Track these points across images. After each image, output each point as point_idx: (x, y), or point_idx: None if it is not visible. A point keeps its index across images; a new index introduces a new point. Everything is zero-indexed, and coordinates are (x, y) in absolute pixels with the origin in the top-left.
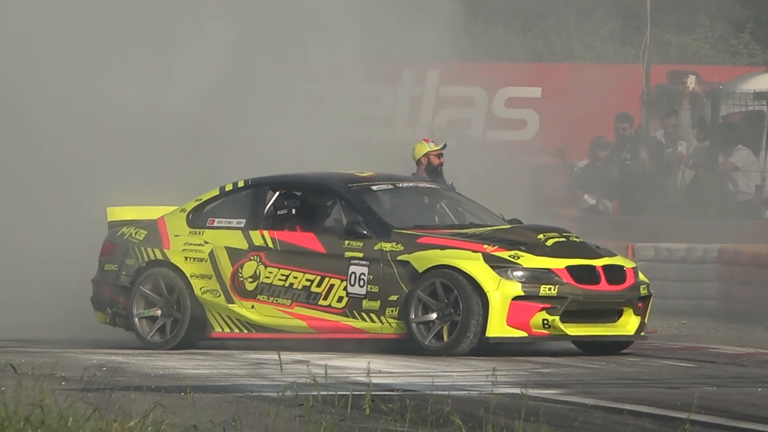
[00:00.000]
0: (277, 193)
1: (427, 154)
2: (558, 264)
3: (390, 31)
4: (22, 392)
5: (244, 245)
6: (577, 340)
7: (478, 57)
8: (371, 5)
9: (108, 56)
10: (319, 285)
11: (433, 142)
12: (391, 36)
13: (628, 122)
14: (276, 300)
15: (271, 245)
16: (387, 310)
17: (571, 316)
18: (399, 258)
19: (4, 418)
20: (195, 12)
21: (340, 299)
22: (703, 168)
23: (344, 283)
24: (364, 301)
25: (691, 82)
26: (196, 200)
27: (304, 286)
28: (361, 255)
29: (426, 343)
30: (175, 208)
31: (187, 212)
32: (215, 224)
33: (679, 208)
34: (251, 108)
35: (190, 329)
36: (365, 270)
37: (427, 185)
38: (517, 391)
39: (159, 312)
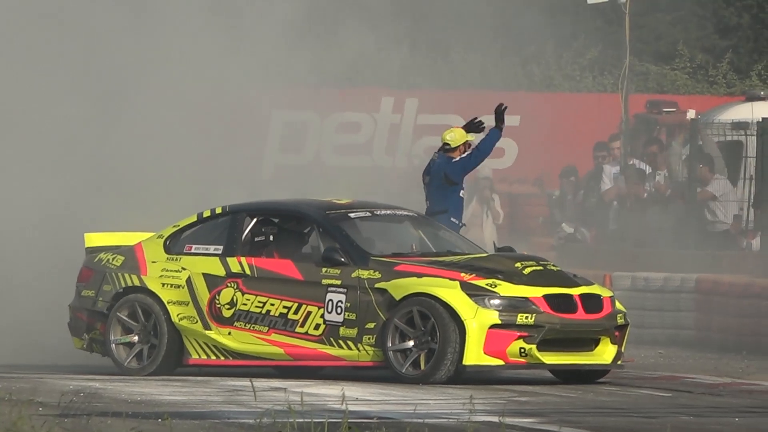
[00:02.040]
0: (255, 219)
1: (466, 143)
2: (535, 292)
3: (369, 58)
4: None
5: (222, 272)
6: (554, 369)
7: (457, 85)
8: (350, 35)
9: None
10: (296, 312)
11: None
12: (371, 64)
13: (606, 151)
14: (253, 327)
15: (248, 272)
16: (364, 338)
17: (548, 344)
18: (376, 285)
19: None
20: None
21: (317, 326)
22: (681, 198)
23: (321, 310)
24: (342, 329)
25: (691, 114)
26: (174, 226)
27: (281, 313)
28: (338, 282)
29: (403, 371)
30: (153, 234)
31: (164, 238)
32: (192, 250)
33: (658, 237)
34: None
35: (167, 355)
36: (342, 297)
37: (406, 213)
38: (494, 419)
39: (136, 338)
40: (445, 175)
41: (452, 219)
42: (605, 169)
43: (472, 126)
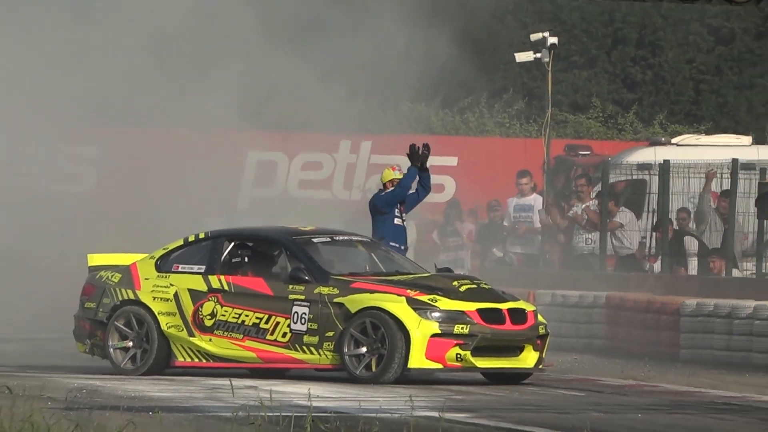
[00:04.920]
0: (232, 243)
1: (392, 180)
2: (470, 307)
3: (330, 108)
4: (15, 411)
5: (204, 288)
6: (486, 372)
7: (404, 131)
8: (315, 88)
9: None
10: (266, 322)
11: (398, 170)
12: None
13: (527, 177)
14: (230, 334)
15: (226, 288)
16: (324, 344)
17: (480, 351)
18: (335, 300)
19: None
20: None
21: (284, 335)
22: (594, 227)
23: (288, 320)
24: (305, 337)
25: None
26: (164, 249)
27: (254, 323)
28: (302, 297)
29: (357, 373)
30: (146, 255)
31: (155, 259)
32: (179, 269)
33: (573, 260)
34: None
35: (157, 358)
36: (306, 310)
37: (360, 238)
38: (434, 414)
39: (131, 344)
40: (374, 206)
41: (392, 243)
42: (509, 202)
43: (414, 155)
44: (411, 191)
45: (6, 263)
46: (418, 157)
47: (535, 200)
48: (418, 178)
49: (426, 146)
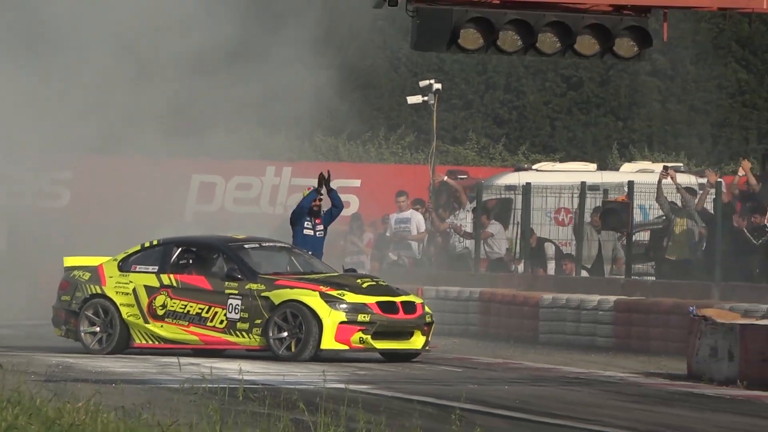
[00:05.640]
0: (180, 248)
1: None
2: (371, 300)
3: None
4: (5, 383)
5: (157, 284)
6: (383, 352)
7: (317, 158)
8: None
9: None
10: (207, 312)
11: (315, 191)
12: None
13: (404, 195)
14: (178, 322)
15: (175, 284)
16: (253, 330)
17: (378, 335)
18: (262, 294)
19: None
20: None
21: (221, 322)
22: (469, 236)
23: (224, 311)
24: (238, 324)
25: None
26: (124, 253)
27: (197, 313)
28: (236, 292)
29: (280, 353)
30: (110, 258)
31: (118, 261)
32: (137, 269)
33: (451, 259)
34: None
35: (119, 341)
36: (239, 302)
37: (282, 245)
38: (341, 386)
39: (98, 329)
40: (290, 220)
41: (302, 249)
42: (390, 216)
43: (322, 180)
44: (326, 208)
45: (2, 265)
46: (325, 182)
47: (412, 214)
48: (330, 199)
49: (328, 172)
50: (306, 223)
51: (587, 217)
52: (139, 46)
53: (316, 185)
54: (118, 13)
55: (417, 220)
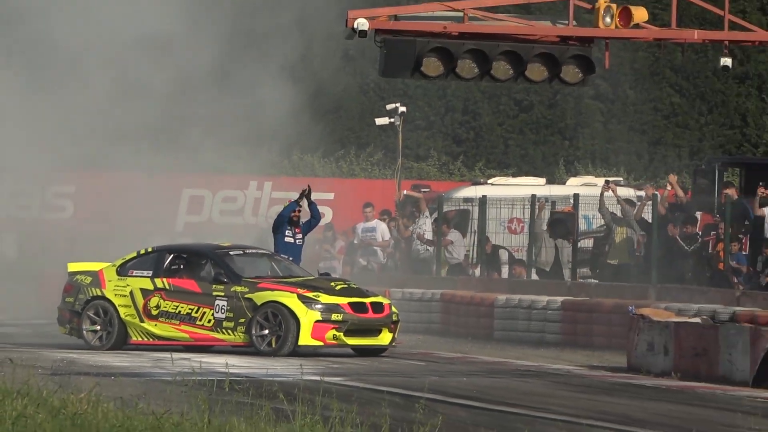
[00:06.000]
0: (172, 255)
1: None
2: (343, 300)
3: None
4: (15, 376)
5: (151, 287)
6: (354, 348)
7: (295, 174)
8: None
9: None
10: (196, 312)
11: (295, 202)
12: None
13: (370, 207)
14: (170, 321)
15: (167, 287)
16: (238, 328)
17: (350, 332)
18: (246, 296)
19: (4, 391)
20: None
21: (209, 321)
22: (433, 243)
23: (212, 311)
24: (224, 322)
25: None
26: (122, 259)
27: (187, 313)
28: (222, 294)
29: (262, 348)
30: (109, 263)
31: (116, 266)
32: (133, 274)
33: (415, 263)
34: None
35: (118, 338)
36: (225, 303)
37: (264, 252)
38: (317, 378)
39: (99, 327)
40: (272, 228)
41: (283, 256)
42: (357, 226)
43: (303, 194)
44: (305, 219)
45: (13, 271)
46: (306, 197)
47: (377, 224)
48: (310, 211)
49: (308, 188)
50: (287, 231)
51: (542, 226)
52: (128, 69)
53: (296, 198)
54: (111, 37)
55: (381, 229)
